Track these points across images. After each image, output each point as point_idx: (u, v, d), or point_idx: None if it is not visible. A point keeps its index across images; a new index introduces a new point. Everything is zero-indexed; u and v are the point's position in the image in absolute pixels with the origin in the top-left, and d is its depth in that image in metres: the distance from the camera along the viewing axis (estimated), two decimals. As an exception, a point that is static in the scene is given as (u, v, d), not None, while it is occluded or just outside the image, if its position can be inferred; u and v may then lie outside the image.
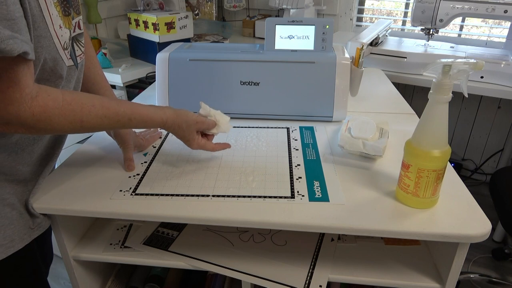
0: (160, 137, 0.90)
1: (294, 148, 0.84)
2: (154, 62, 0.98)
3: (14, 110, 0.51)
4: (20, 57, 0.49)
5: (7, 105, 0.51)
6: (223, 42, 1.74)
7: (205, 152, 0.83)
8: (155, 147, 0.86)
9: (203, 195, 0.68)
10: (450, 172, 0.73)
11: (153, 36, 1.43)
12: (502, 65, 1.33)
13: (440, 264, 0.69)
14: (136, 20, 1.48)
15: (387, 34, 1.71)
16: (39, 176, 0.69)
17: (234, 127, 0.94)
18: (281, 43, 0.98)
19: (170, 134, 0.91)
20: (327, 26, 0.96)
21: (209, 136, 0.78)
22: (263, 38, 0.99)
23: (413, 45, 1.56)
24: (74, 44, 0.66)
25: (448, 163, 0.66)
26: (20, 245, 0.63)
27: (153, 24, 1.40)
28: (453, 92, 0.57)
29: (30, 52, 0.50)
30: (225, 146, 0.79)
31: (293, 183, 0.72)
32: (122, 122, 0.63)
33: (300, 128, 0.94)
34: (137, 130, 0.87)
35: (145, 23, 1.44)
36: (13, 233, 0.62)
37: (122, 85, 1.45)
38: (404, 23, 2.05)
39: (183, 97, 0.98)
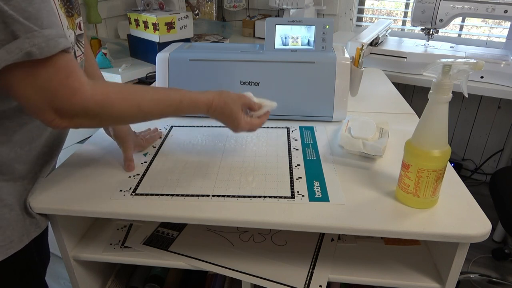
0: (160, 137, 0.90)
1: (294, 148, 0.84)
2: (154, 62, 0.98)
3: (79, 100, 0.53)
4: (70, 50, 0.52)
5: (71, 97, 0.52)
6: (223, 42, 1.74)
7: (205, 151, 0.83)
8: (155, 147, 0.86)
9: (203, 195, 0.68)
10: (450, 172, 0.73)
11: (153, 36, 1.43)
12: (502, 65, 1.33)
13: (440, 264, 0.69)
14: (136, 20, 1.48)
15: (387, 34, 1.71)
16: (37, 175, 0.69)
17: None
18: (281, 43, 0.98)
19: (170, 134, 0.91)
20: (327, 26, 0.96)
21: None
22: (263, 38, 0.99)
23: (413, 45, 1.56)
24: (76, 44, 0.66)
25: (448, 163, 0.66)
26: (19, 246, 0.63)
27: (153, 24, 1.40)
28: (453, 92, 0.57)
29: (70, 45, 0.53)
30: (267, 114, 0.78)
31: (293, 183, 0.72)
32: (174, 106, 0.65)
33: (300, 128, 0.94)
34: (137, 130, 0.87)
35: (145, 23, 1.44)
36: (12, 234, 0.62)
37: (122, 85, 1.45)
38: (404, 23, 2.05)
39: (183, 97, 0.98)
